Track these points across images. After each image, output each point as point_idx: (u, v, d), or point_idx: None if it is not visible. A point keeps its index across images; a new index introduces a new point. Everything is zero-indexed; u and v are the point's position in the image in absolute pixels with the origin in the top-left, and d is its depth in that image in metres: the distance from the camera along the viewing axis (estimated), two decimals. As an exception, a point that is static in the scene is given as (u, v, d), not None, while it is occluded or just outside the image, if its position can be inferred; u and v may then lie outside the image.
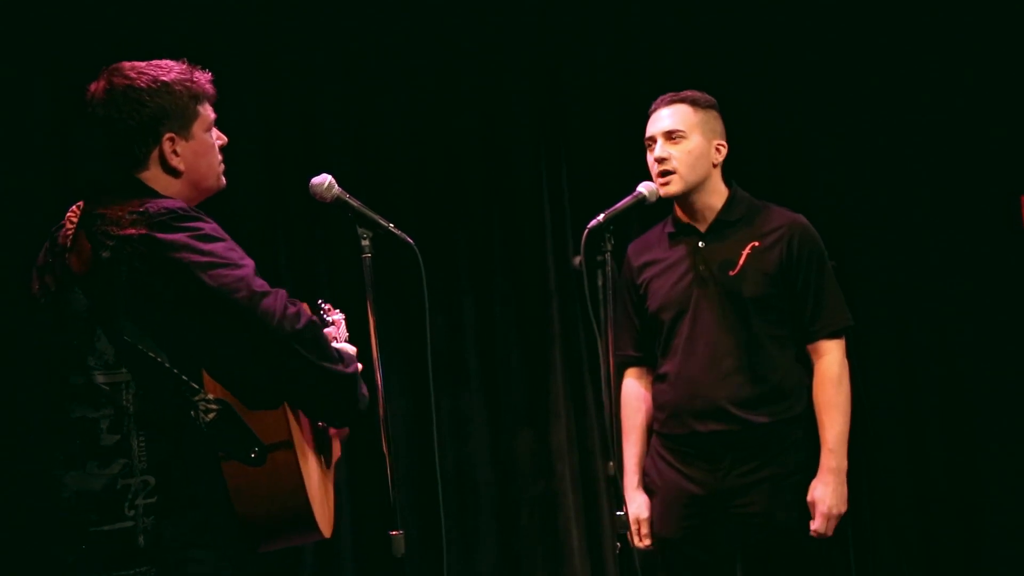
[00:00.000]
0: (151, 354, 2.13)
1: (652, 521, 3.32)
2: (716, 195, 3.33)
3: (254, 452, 2.17)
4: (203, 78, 2.35)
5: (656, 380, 3.36)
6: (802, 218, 3.32)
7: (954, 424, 4.53)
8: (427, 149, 4.44)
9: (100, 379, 2.15)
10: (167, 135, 2.28)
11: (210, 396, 2.15)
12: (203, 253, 2.13)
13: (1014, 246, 4.44)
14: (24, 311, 2.29)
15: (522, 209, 4.47)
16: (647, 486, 3.36)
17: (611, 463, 3.02)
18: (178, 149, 2.29)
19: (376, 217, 2.63)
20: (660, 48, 4.56)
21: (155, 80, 2.27)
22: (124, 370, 2.15)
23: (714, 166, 3.30)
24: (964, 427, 4.52)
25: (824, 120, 4.57)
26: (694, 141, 3.26)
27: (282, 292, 2.18)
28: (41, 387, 2.24)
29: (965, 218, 4.50)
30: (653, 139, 3.29)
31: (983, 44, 4.48)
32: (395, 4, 4.41)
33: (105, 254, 2.13)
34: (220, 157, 2.40)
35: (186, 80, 2.31)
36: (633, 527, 3.30)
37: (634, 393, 3.43)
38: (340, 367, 2.22)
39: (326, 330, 2.42)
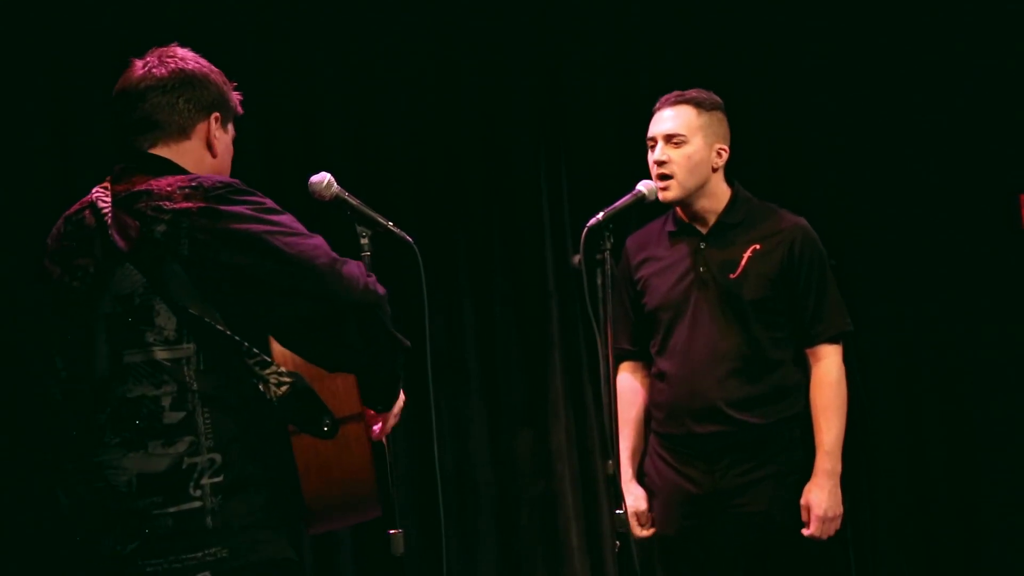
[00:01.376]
0: (220, 327, 2.08)
1: (653, 519, 3.32)
2: (716, 198, 3.32)
3: (327, 425, 2.11)
4: (238, 96, 2.39)
5: (654, 379, 3.36)
6: (803, 221, 3.32)
7: (954, 424, 4.53)
8: (427, 149, 4.44)
9: (161, 355, 2.09)
10: (215, 114, 2.30)
11: (282, 369, 2.10)
12: (272, 223, 2.10)
13: (1014, 246, 4.44)
14: (31, 299, 2.27)
15: (522, 209, 4.47)
16: (648, 487, 3.36)
17: (610, 462, 3.02)
18: (217, 133, 2.31)
19: (375, 216, 2.62)
20: (660, 48, 4.56)
21: (213, 67, 2.33)
22: (186, 345, 2.09)
23: (714, 170, 3.29)
24: (964, 427, 4.52)
25: (824, 120, 4.57)
26: (694, 146, 3.24)
27: (357, 261, 2.17)
28: (71, 374, 2.15)
29: (965, 218, 4.50)
30: (654, 140, 3.28)
31: (983, 44, 4.48)
32: (395, 4, 4.41)
33: (160, 228, 2.08)
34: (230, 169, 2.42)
35: (229, 85, 2.36)
36: (632, 520, 3.30)
37: (629, 387, 3.42)
38: (404, 339, 2.21)
39: None
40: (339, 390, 2.19)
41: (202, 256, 2.07)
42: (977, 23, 4.47)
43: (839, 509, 3.17)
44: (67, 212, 2.27)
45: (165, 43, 2.37)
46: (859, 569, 4.20)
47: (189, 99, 2.26)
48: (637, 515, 3.31)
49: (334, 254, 2.13)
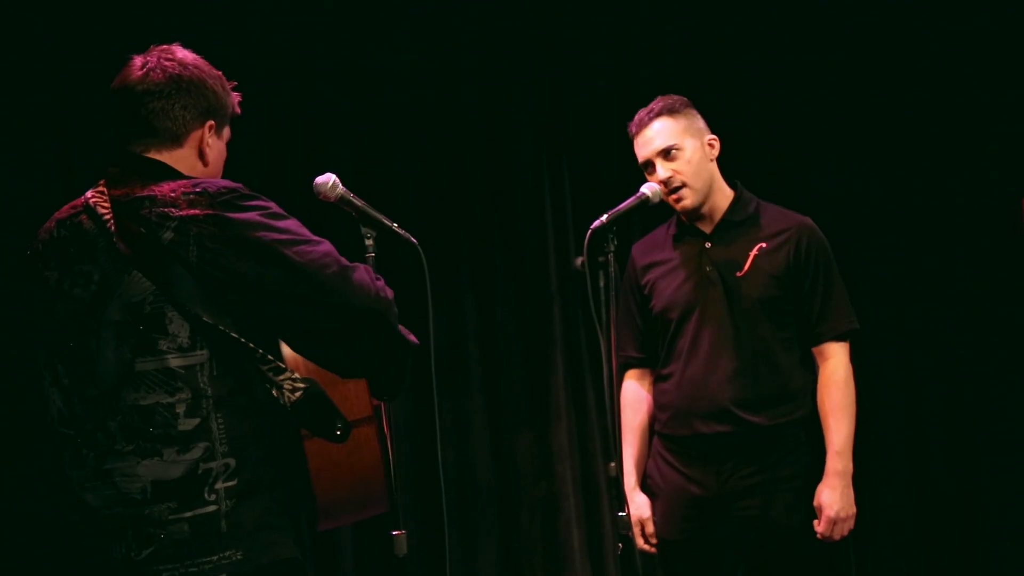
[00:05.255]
0: (233, 334, 2.08)
1: (655, 523, 3.32)
2: (721, 195, 3.33)
3: (339, 429, 2.12)
4: (236, 97, 2.38)
5: (659, 380, 3.36)
6: (809, 220, 3.32)
7: (955, 425, 4.54)
8: (428, 149, 4.44)
9: (175, 362, 2.09)
10: (209, 122, 2.29)
11: (296, 375, 2.10)
12: (280, 231, 2.10)
13: (1015, 249, 4.44)
14: (27, 302, 2.25)
15: (523, 210, 4.48)
16: (649, 488, 3.35)
17: (612, 464, 3.02)
18: (210, 141, 2.30)
19: (380, 217, 2.63)
20: (660, 49, 4.57)
21: (211, 69, 2.31)
22: (200, 351, 2.09)
23: (712, 161, 3.30)
24: (965, 429, 4.53)
25: (825, 121, 4.58)
26: (689, 148, 3.25)
27: (365, 265, 2.18)
28: (73, 381, 2.15)
29: (966, 220, 4.50)
30: (650, 163, 3.28)
31: (984, 45, 4.48)
32: (397, 6, 4.41)
33: (167, 235, 2.07)
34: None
35: (227, 88, 2.35)
36: (635, 528, 3.29)
37: (634, 394, 3.42)
38: (412, 337, 2.24)
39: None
40: (350, 393, 2.21)
41: (211, 263, 2.07)
42: (980, 24, 4.47)
43: (852, 509, 3.17)
44: (58, 215, 2.25)
45: (166, 43, 2.36)
46: (859, 570, 4.20)
47: (185, 106, 2.24)
48: (641, 523, 3.31)
49: (343, 260, 2.14)
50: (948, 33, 4.51)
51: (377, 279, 2.18)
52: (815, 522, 3.16)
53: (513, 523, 4.38)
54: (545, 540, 4.37)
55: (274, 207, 2.16)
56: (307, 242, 2.12)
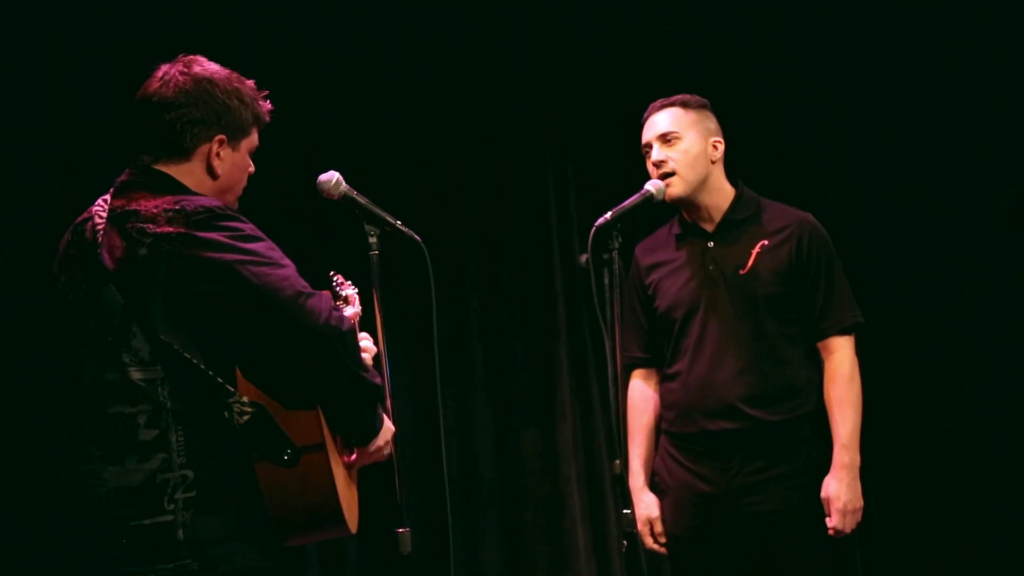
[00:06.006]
0: (187, 354, 2.13)
1: (663, 520, 3.31)
2: (720, 194, 3.33)
3: (287, 454, 2.19)
4: (266, 106, 2.40)
5: (665, 380, 3.36)
6: (810, 216, 3.33)
7: (957, 425, 4.53)
8: (429, 149, 4.44)
9: (136, 375, 2.15)
10: (219, 136, 2.31)
11: (245, 399, 2.16)
12: (245, 252, 2.14)
13: (1017, 246, 4.44)
14: (33, 308, 2.29)
15: (527, 208, 4.48)
16: (657, 485, 3.35)
17: (617, 462, 3.02)
18: (222, 154, 2.32)
19: (383, 214, 2.64)
20: (662, 47, 4.57)
21: (230, 81, 2.33)
22: (159, 367, 2.15)
23: (712, 163, 3.31)
24: (966, 428, 4.52)
25: (825, 121, 4.58)
26: (689, 140, 3.26)
27: (326, 294, 2.21)
28: (67, 383, 2.23)
29: (966, 220, 4.50)
30: (649, 145, 3.30)
31: (984, 45, 4.48)
32: (397, 5, 4.41)
33: (142, 251, 2.13)
34: (244, 184, 2.43)
35: (254, 98, 2.37)
36: (644, 527, 3.29)
37: (641, 394, 3.42)
38: (370, 376, 2.27)
39: (338, 303, 2.53)
40: (300, 419, 2.25)
41: (177, 282, 2.12)
42: (980, 24, 4.48)
43: (859, 502, 3.17)
44: (77, 219, 2.31)
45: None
46: (863, 569, 4.20)
47: (192, 120, 2.27)
48: (650, 522, 3.31)
49: (301, 287, 2.17)
50: (948, 33, 4.51)
51: (335, 310, 2.21)
52: (827, 517, 3.16)
53: (517, 521, 4.38)
54: (549, 538, 4.37)
55: (247, 229, 2.19)
56: (269, 264, 2.15)
